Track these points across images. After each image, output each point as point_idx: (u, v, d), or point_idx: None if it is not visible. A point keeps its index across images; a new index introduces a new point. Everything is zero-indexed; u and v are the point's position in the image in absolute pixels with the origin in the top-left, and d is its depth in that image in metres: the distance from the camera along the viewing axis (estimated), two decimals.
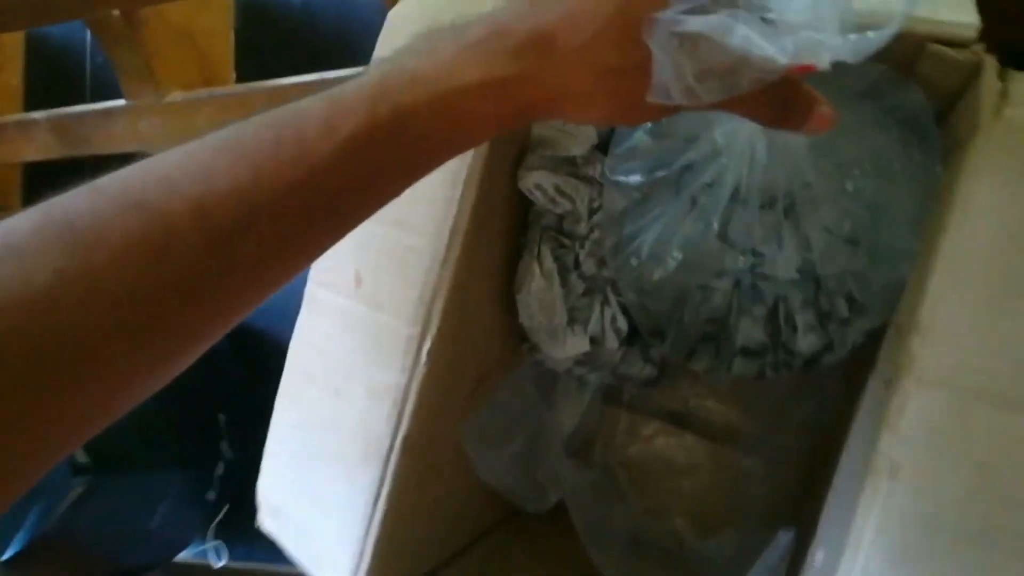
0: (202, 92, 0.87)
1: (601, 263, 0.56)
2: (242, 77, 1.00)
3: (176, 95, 0.88)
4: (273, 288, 0.34)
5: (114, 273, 0.28)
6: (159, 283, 0.29)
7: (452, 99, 0.33)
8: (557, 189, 0.52)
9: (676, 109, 0.34)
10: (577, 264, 0.56)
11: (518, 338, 0.61)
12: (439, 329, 0.48)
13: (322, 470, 0.52)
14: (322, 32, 0.98)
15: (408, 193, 0.42)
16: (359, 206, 0.35)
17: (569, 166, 0.53)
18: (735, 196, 0.49)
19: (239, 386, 0.81)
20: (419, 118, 0.33)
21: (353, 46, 0.94)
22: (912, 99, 0.45)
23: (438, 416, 0.52)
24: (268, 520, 0.56)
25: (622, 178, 0.51)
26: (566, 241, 0.55)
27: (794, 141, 0.46)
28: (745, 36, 0.30)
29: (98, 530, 0.75)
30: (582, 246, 0.55)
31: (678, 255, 0.52)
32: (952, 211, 0.39)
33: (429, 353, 0.48)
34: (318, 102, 0.33)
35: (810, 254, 0.52)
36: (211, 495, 0.86)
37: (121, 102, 0.92)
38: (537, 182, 0.52)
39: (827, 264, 0.53)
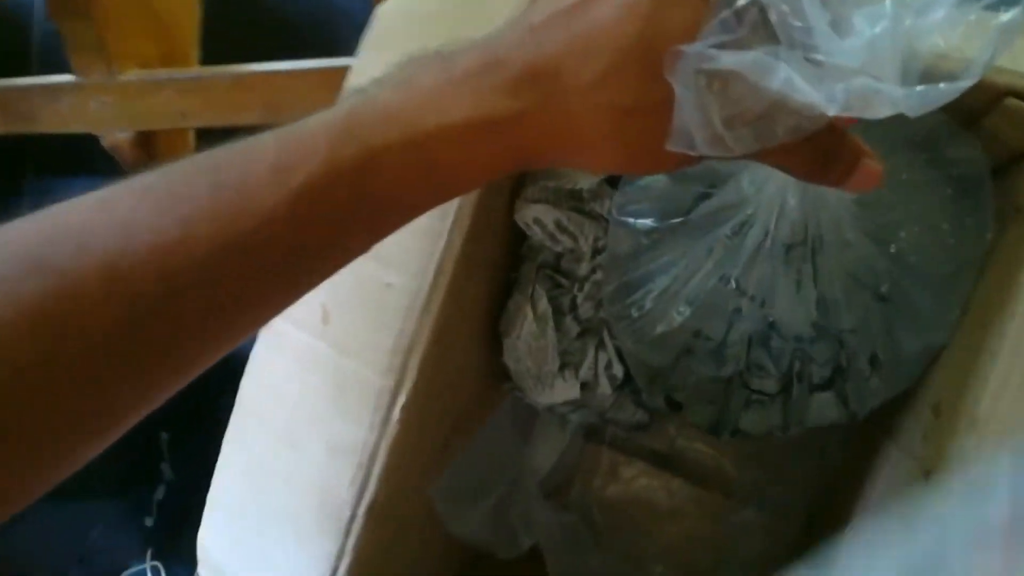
0: (161, 73, 0.79)
1: (599, 305, 0.50)
2: (207, 58, 0.92)
3: (131, 74, 0.80)
4: (208, 361, 0.29)
5: (4, 350, 0.23)
6: (59, 363, 0.24)
7: (431, 141, 0.27)
8: (558, 225, 0.46)
9: (698, 159, 0.28)
10: (574, 307, 0.50)
11: (499, 377, 0.55)
12: (415, 383, 0.42)
13: (272, 532, 0.45)
14: (300, 15, 0.90)
15: None
16: (316, 266, 0.29)
17: (574, 200, 0.47)
18: (758, 249, 0.43)
19: (185, 403, 0.73)
20: (391, 162, 0.27)
21: (334, 33, 0.86)
22: (969, 157, 0.40)
23: (408, 475, 0.45)
24: None
25: (631, 220, 0.44)
26: (563, 281, 0.49)
27: (833, 193, 0.41)
28: (787, 79, 0.25)
29: (23, 556, 0.68)
30: (580, 288, 0.49)
31: (685, 310, 0.46)
32: (1019, 295, 0.34)
33: (403, 409, 0.42)
34: (268, 140, 0.27)
35: (834, 308, 0.47)
36: (149, 521, 0.79)
37: (70, 78, 0.84)
38: (537, 216, 0.46)
39: (851, 318, 0.47)
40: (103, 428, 0.27)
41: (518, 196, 0.46)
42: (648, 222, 0.45)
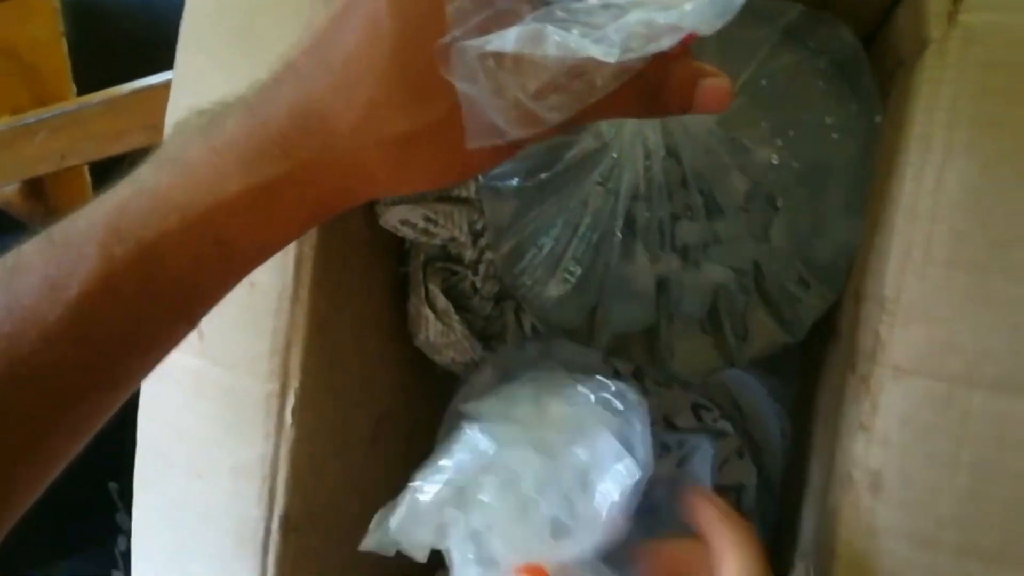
0: (29, 116, 0.75)
1: (503, 279, 0.47)
2: (85, 90, 0.87)
3: (2, 123, 0.76)
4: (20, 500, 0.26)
5: None
6: None
7: (210, 219, 0.25)
8: (428, 220, 0.43)
9: (520, 145, 0.26)
10: (476, 289, 0.47)
11: (425, 365, 0.52)
12: (301, 382, 0.39)
13: (195, 568, 0.42)
14: (166, 25, 0.85)
15: None
16: (128, 370, 0.27)
17: (436, 190, 0.44)
18: (636, 193, 0.40)
19: (127, 449, 0.70)
20: (173, 251, 0.25)
21: None
22: (835, 38, 0.37)
23: (328, 479, 0.43)
24: None
25: (499, 184, 0.41)
26: (457, 268, 0.47)
27: (696, 120, 0.38)
28: (560, 42, 0.23)
29: None
30: (476, 272, 0.46)
31: (576, 269, 0.43)
32: (906, 154, 0.31)
33: (294, 412, 0.39)
34: (35, 249, 0.25)
35: (735, 237, 0.44)
36: (118, 574, 0.76)
37: None
38: (402, 218, 0.43)
39: (756, 241, 0.45)
40: None
41: (377, 201, 0.43)
42: (515, 182, 0.41)
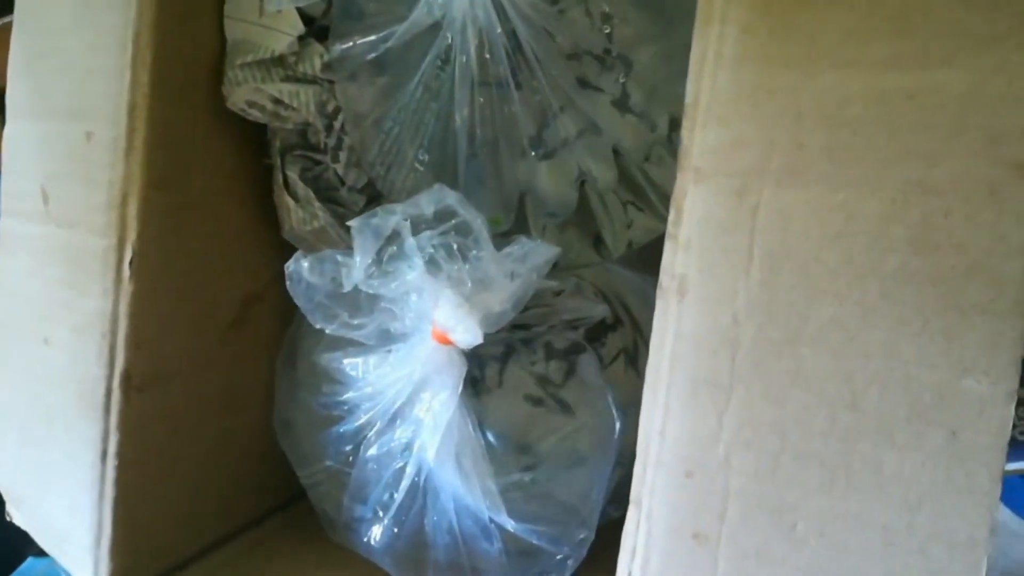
0: None
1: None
2: None
3: None
4: None
5: None
6: None
7: None
8: (276, 102, 0.42)
9: None
10: (341, 180, 0.46)
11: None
12: (140, 235, 0.38)
13: (44, 436, 0.42)
14: None
15: (83, 68, 0.35)
16: None
17: (281, 68, 0.42)
18: (474, 78, 0.40)
19: None
20: None
21: None
22: None
23: (179, 346, 0.42)
24: (15, 513, 0.46)
25: (347, 64, 0.41)
26: (317, 156, 0.45)
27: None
28: None
29: None
30: (336, 159, 0.45)
31: (424, 156, 0.43)
32: None
33: (132, 265, 0.38)
34: None
35: (597, 128, 0.44)
36: None
37: None
38: (248, 99, 0.42)
39: (619, 132, 0.44)
40: None
41: (224, 82, 0.42)
42: (355, 60, 0.41)
